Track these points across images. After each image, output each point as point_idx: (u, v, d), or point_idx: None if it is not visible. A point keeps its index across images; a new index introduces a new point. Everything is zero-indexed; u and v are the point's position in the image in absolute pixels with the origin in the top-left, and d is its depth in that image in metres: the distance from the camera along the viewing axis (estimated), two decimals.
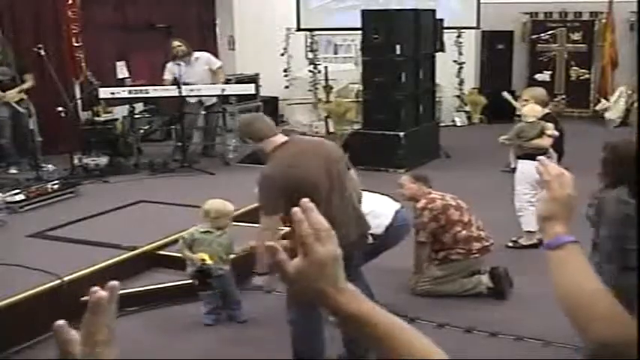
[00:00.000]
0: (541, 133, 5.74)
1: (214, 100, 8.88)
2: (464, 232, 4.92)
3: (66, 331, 1.06)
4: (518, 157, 5.95)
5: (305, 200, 1.11)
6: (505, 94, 8.75)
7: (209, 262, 4.40)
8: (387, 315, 1.11)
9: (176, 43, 8.50)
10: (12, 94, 8.00)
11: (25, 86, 8.13)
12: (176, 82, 8.15)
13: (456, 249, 4.92)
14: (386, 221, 4.55)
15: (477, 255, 4.95)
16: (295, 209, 1.10)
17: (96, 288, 1.08)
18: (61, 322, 1.06)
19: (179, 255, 4.77)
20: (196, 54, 8.72)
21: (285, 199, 3.45)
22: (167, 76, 8.58)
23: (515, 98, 8.53)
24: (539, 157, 1.54)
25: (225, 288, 4.59)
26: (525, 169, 5.75)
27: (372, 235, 4.36)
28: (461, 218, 4.93)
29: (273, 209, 3.53)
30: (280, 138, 3.74)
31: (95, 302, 1.06)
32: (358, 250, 3.92)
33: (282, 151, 3.66)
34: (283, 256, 1.09)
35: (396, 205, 4.67)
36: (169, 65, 8.56)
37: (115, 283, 1.10)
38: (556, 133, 5.81)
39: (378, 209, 4.59)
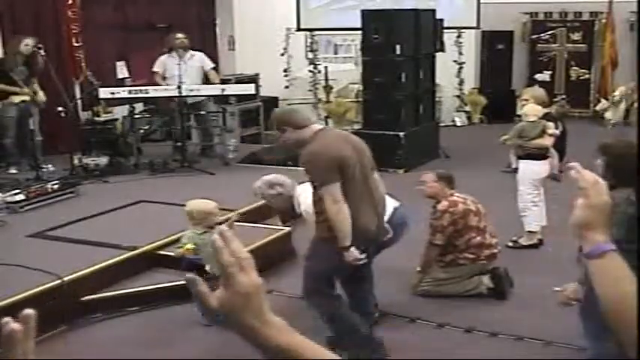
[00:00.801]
0: (542, 133, 5.73)
1: (200, 98, 8.80)
2: (478, 238, 4.90)
3: None
4: (520, 157, 5.94)
5: (224, 228, 1.06)
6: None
7: (190, 246, 4.40)
8: (314, 346, 1.06)
9: (180, 35, 8.49)
10: (40, 96, 8.08)
11: (37, 88, 8.15)
12: (165, 77, 8.25)
13: (465, 253, 4.90)
14: (385, 218, 4.54)
15: (484, 261, 4.94)
16: (215, 237, 1.05)
17: (7, 319, 0.93)
18: None
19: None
20: (191, 52, 8.71)
21: (337, 171, 3.62)
22: (157, 68, 8.57)
23: (516, 98, 8.56)
24: (573, 164, 1.52)
25: None
26: (527, 168, 5.75)
27: None
28: (478, 224, 4.91)
29: (333, 178, 3.62)
30: (318, 126, 3.92)
31: (7, 337, 0.91)
32: (374, 244, 4.01)
33: (321, 136, 3.79)
34: (204, 288, 1.04)
35: (394, 203, 4.66)
36: (162, 58, 8.54)
37: (29, 311, 0.95)
38: (557, 132, 5.81)
39: None
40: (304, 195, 4.40)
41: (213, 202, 4.62)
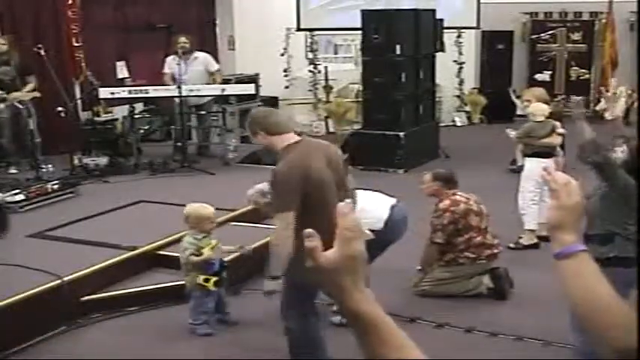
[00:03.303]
0: (551, 132, 5.76)
1: (204, 100, 8.83)
2: (479, 237, 4.91)
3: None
4: (527, 155, 5.95)
5: (348, 201, 1.17)
6: (511, 91, 8.92)
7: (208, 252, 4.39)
8: (392, 325, 1.13)
9: (182, 39, 8.50)
10: (22, 94, 7.98)
11: (30, 87, 8.10)
12: (174, 78, 8.17)
13: (465, 253, 4.90)
14: (384, 216, 4.54)
15: (484, 261, 4.94)
16: (341, 204, 1.15)
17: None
18: None
19: (179, 255, 4.76)
20: (196, 53, 8.72)
21: (299, 197, 3.44)
22: (167, 70, 8.59)
23: (516, 98, 8.61)
24: (545, 166, 1.53)
25: (223, 291, 4.57)
26: (533, 167, 5.74)
27: (372, 230, 4.36)
28: (479, 224, 4.92)
29: (289, 205, 3.45)
30: (293, 136, 3.67)
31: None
32: None
33: (294, 150, 3.59)
34: (319, 244, 1.13)
35: (391, 200, 4.66)
36: (169, 59, 8.56)
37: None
38: (565, 131, 5.83)
39: (370, 206, 4.55)
40: None
41: (210, 208, 4.57)
